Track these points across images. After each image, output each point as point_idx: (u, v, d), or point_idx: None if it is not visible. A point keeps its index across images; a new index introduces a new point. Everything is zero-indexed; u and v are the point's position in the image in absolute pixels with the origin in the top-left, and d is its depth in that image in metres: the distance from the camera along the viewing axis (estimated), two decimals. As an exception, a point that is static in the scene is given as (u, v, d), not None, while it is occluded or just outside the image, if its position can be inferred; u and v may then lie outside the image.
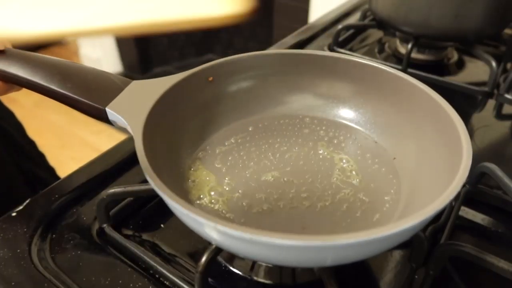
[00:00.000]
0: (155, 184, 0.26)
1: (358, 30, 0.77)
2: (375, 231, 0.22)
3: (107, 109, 0.34)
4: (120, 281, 0.33)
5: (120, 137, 0.48)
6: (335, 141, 0.40)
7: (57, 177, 0.71)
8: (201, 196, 0.34)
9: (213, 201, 0.34)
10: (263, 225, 0.32)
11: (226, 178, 0.36)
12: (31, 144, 0.68)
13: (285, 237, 0.22)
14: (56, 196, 0.39)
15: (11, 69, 0.36)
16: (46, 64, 0.37)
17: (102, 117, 0.35)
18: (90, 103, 0.34)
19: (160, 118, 0.34)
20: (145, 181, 0.31)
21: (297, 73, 0.42)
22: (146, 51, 2.12)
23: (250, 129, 0.41)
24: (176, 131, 0.37)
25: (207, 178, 0.36)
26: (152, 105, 0.33)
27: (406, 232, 0.24)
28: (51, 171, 0.72)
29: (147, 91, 0.35)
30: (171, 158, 0.35)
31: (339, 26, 0.69)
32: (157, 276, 0.33)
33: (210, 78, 0.39)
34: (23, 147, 0.64)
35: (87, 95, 0.35)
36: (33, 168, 0.65)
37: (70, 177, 0.42)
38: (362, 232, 0.22)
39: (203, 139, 0.40)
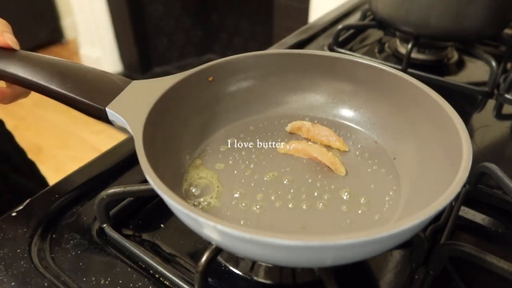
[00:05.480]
0: (155, 184, 0.26)
1: (358, 30, 0.77)
2: (375, 231, 0.22)
3: (107, 109, 0.34)
4: (120, 281, 0.33)
5: (120, 137, 0.48)
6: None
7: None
8: (201, 196, 0.34)
9: (213, 201, 0.34)
10: (262, 225, 0.32)
11: (226, 178, 0.36)
12: (20, 152, 0.66)
13: (285, 237, 0.22)
14: (56, 196, 0.39)
15: (11, 69, 0.36)
16: (46, 64, 0.37)
17: (102, 117, 0.35)
18: (90, 103, 0.35)
19: (160, 118, 0.34)
20: (145, 181, 0.31)
21: (297, 73, 0.42)
22: (146, 51, 2.12)
23: (250, 129, 0.41)
24: (176, 131, 0.37)
25: (207, 178, 0.36)
26: (152, 105, 0.33)
27: (406, 232, 0.24)
28: (41, 181, 0.70)
29: (147, 91, 0.35)
30: (171, 158, 0.35)
31: (339, 26, 0.69)
32: (157, 276, 0.33)
33: (210, 78, 0.39)
34: (11, 157, 0.62)
35: (87, 95, 0.35)
36: (20, 180, 0.63)
37: (70, 177, 0.42)
38: (362, 232, 0.22)
39: (203, 139, 0.40)
